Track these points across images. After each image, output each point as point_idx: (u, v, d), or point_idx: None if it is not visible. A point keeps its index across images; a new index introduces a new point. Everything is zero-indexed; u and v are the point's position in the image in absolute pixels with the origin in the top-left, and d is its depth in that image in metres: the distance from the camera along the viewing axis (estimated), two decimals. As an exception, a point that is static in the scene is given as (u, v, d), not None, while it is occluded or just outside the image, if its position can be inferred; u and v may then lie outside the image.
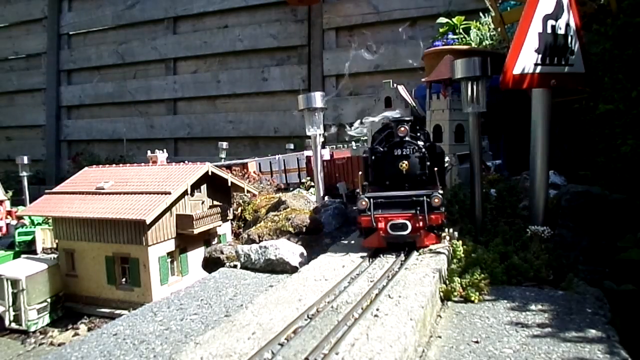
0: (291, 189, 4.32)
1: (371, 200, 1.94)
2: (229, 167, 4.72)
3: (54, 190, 3.80)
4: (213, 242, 3.63)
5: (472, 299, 1.68)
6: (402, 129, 2.07)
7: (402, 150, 2.08)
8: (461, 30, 4.17)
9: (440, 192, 1.92)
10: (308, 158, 4.28)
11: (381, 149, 2.13)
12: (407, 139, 2.09)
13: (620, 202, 2.19)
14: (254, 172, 4.61)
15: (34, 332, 3.21)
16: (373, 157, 2.14)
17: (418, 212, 1.88)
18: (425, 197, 1.90)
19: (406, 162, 2.04)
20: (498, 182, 2.92)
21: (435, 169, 2.02)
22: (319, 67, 6.48)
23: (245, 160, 4.78)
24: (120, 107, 8.14)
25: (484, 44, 4.03)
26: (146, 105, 7.92)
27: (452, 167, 2.84)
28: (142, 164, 4.00)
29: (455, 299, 1.70)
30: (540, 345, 1.35)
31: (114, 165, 4.07)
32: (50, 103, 8.59)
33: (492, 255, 1.92)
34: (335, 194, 3.45)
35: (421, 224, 1.89)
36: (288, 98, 6.55)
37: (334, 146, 4.51)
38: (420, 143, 2.11)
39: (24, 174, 5.02)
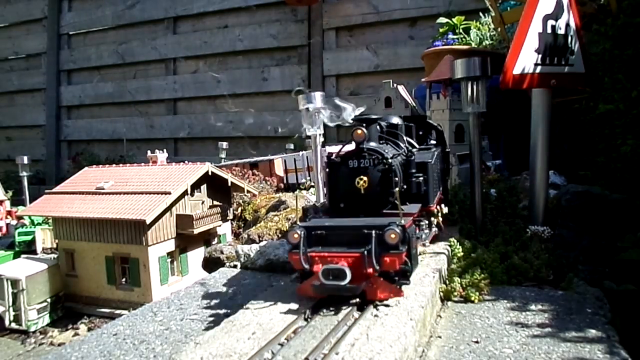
0: None
1: (304, 232, 1.39)
2: (255, 165, 4.73)
3: (54, 190, 3.80)
4: (213, 242, 3.63)
5: (472, 299, 1.68)
6: (359, 132, 1.53)
7: (358, 162, 1.53)
8: (461, 30, 4.16)
9: (402, 222, 1.35)
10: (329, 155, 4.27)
11: (335, 159, 1.59)
12: (370, 145, 1.55)
13: (620, 202, 2.19)
14: (255, 172, 4.62)
15: (34, 332, 3.21)
16: (327, 170, 1.61)
17: (366, 252, 1.31)
18: (374, 231, 1.32)
19: (365, 177, 1.50)
20: (498, 182, 2.92)
21: (397, 188, 1.47)
22: (319, 67, 6.48)
23: (270, 157, 4.80)
24: (120, 107, 8.14)
25: (484, 44, 4.02)
26: (146, 105, 7.92)
27: (452, 167, 2.84)
28: (142, 164, 4.01)
29: (455, 299, 1.70)
30: (540, 345, 1.35)
31: (114, 165, 4.08)
32: (50, 103, 8.59)
33: (492, 255, 1.92)
34: None
35: (370, 270, 1.31)
36: (288, 98, 6.55)
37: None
38: (390, 152, 1.58)
39: (24, 174, 5.03)
